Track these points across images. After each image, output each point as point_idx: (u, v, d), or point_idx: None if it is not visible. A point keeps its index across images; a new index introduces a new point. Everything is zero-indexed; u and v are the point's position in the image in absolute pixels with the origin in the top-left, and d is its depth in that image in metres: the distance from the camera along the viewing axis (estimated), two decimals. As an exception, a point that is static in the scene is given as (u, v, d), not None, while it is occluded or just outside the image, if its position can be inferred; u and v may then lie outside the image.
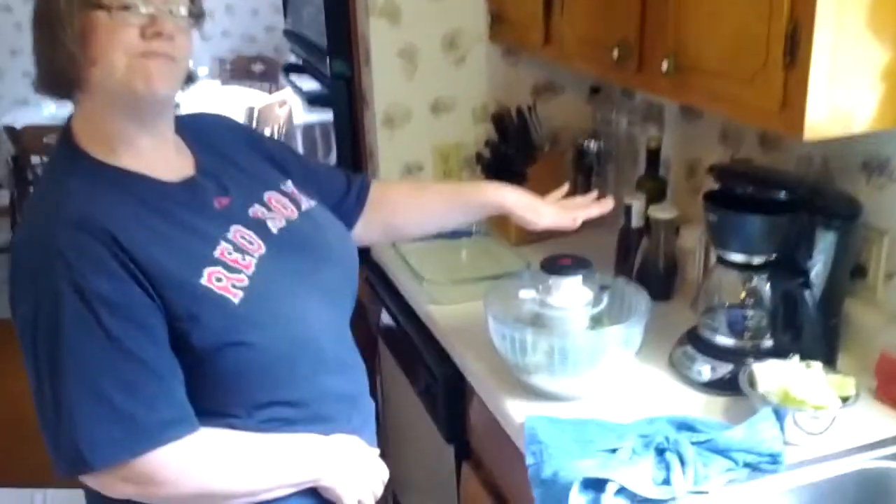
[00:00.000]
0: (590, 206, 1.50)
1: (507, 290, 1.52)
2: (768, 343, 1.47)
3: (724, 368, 1.46)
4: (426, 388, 1.82)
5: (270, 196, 1.28)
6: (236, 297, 1.11)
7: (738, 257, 1.46)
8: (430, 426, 1.83)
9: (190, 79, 1.20)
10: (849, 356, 1.50)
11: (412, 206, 1.54)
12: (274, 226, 1.23)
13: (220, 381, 1.12)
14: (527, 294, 1.45)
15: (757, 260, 1.45)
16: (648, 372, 1.53)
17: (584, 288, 1.44)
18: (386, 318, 2.08)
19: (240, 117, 4.37)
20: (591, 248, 1.62)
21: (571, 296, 1.43)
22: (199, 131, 1.28)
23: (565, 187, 1.55)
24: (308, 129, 3.02)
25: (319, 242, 1.29)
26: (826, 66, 1.14)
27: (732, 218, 1.43)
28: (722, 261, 1.50)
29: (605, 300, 1.46)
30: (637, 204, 1.81)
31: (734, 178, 1.47)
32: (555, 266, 1.43)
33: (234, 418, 1.14)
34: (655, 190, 1.93)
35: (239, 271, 1.13)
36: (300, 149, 3.04)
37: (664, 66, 1.39)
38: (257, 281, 1.14)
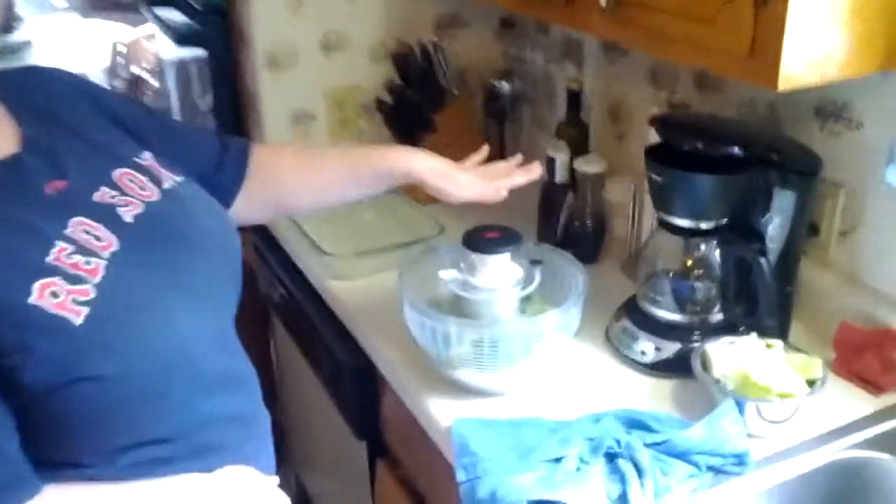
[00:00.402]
0: (514, 173, 1.28)
1: (424, 268, 1.30)
2: (718, 317, 1.31)
3: (670, 347, 1.29)
4: (331, 376, 1.59)
5: (122, 173, 1.00)
6: (79, 315, 0.85)
7: (684, 222, 1.28)
8: (336, 416, 1.61)
9: (7, 26, 0.91)
10: (801, 324, 1.36)
11: (303, 177, 1.27)
12: (128, 213, 0.96)
13: (67, 425, 0.86)
14: (447, 275, 1.23)
15: (706, 224, 1.27)
16: (585, 352, 1.35)
17: (513, 264, 1.24)
18: (279, 290, 1.82)
19: (104, 54, 3.94)
20: (510, 207, 1.38)
21: (499, 275, 1.22)
22: (24, 92, 0.99)
23: (485, 150, 1.32)
24: (182, 66, 2.67)
25: (190, 229, 1.02)
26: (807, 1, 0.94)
27: (681, 178, 1.23)
28: (665, 225, 1.31)
29: (537, 277, 1.26)
30: (561, 157, 1.60)
31: (679, 131, 1.28)
32: (479, 241, 1.21)
33: (88, 468, 0.89)
34: (577, 137, 1.73)
35: (82, 280, 0.87)
36: (174, 91, 2.68)
37: None
38: (108, 290, 0.88)
